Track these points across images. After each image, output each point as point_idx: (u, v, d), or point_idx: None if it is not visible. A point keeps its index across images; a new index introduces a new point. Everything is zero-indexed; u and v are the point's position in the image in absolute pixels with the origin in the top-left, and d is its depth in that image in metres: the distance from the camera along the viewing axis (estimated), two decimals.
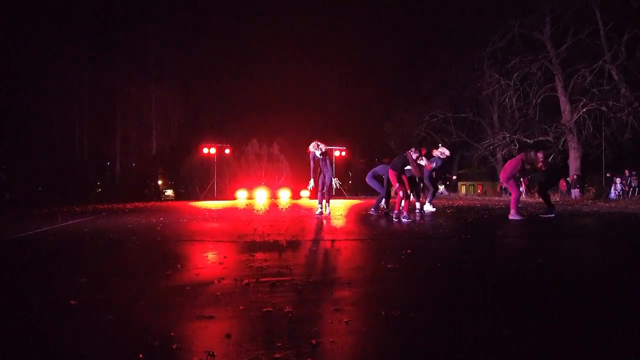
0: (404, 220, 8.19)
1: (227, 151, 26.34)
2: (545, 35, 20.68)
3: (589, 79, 18.96)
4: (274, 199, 23.64)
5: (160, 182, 29.78)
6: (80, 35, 24.49)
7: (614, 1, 17.91)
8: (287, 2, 30.29)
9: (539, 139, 21.59)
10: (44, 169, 23.29)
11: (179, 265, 3.95)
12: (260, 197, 24.64)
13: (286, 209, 13.46)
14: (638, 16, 17.33)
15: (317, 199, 10.41)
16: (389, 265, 3.85)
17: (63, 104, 24.72)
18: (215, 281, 3.31)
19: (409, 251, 4.62)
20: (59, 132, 24.84)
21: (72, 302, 2.73)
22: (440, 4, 24.86)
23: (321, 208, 10.17)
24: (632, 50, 17.86)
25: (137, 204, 17.65)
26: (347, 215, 10.05)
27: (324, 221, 8.53)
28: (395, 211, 8.44)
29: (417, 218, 9.15)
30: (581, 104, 19.53)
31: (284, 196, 25.39)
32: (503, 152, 23.77)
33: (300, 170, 27.71)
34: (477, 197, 23.89)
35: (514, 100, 21.32)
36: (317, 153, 9.81)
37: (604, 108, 18.92)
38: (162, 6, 27.20)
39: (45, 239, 6.18)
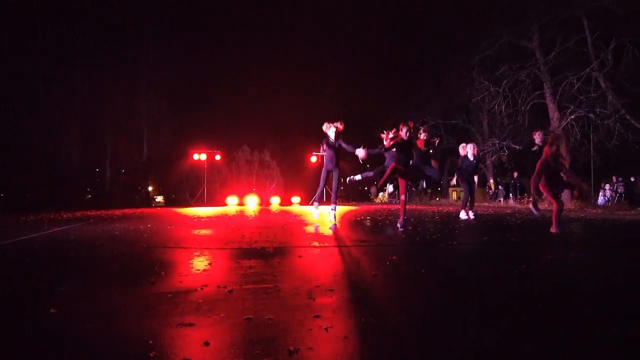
0: (399, 227, 7.89)
1: (217, 157, 26.32)
2: (534, 43, 20.90)
3: (576, 87, 19.15)
4: (264, 205, 23.62)
5: (150, 189, 29.63)
6: (72, 41, 24.43)
7: (600, 10, 18.14)
8: (278, 11, 30.38)
9: None
10: (32, 174, 23.08)
11: (162, 273, 3.95)
12: (251, 204, 24.60)
13: (276, 215, 13.45)
14: (624, 25, 17.57)
15: (309, 204, 10.01)
16: (372, 272, 3.87)
17: (52, 110, 24.55)
18: (198, 288, 3.32)
19: (394, 258, 4.64)
20: (48, 138, 24.66)
21: (52, 310, 2.73)
22: (431, 12, 25.03)
23: (334, 211, 9.15)
24: (619, 58, 18.09)
25: (125, 210, 17.54)
26: (338, 222, 10.04)
27: (314, 228, 8.51)
28: (400, 219, 8.00)
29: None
30: (569, 111, 19.71)
31: (275, 203, 25.38)
32: (492, 158, 23.94)
33: (291, 177, 27.76)
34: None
35: (503, 107, 21.47)
36: (331, 133, 8.64)
37: (591, 115, 19.11)
38: (154, 15, 27.18)
39: (29, 246, 6.14)
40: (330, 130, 8.66)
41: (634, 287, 3.47)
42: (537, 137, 8.63)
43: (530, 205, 8.27)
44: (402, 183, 8.00)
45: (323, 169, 8.95)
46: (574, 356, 2.01)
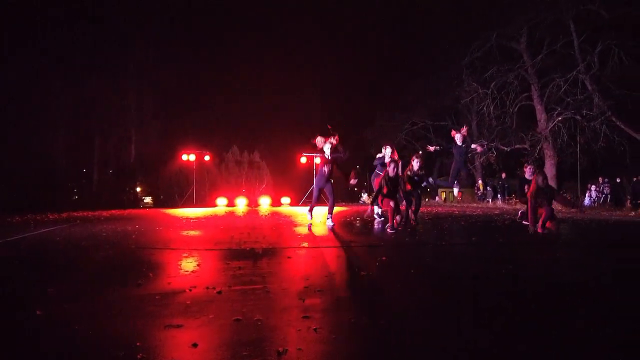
0: (389, 230, 7.78)
1: (206, 158, 26.10)
2: (522, 46, 21.10)
3: (563, 89, 19.35)
4: (254, 207, 23.50)
5: (139, 189, 29.31)
6: (61, 41, 24.15)
7: (587, 13, 18.34)
8: (278, 11, 30.24)
9: (516, 146, 21.98)
10: (18, 175, 22.73)
11: (150, 274, 3.88)
12: (241, 205, 24.48)
13: (265, 216, 13.39)
14: (610, 28, 17.79)
15: (303, 206, 9.65)
16: (362, 273, 3.85)
17: (40, 110, 24.22)
18: (187, 290, 3.27)
19: (384, 258, 4.63)
20: (35, 137, 24.30)
21: (37, 312, 2.66)
22: (421, 15, 25.08)
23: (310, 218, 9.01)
24: (605, 61, 18.31)
25: (113, 211, 17.34)
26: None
27: (304, 229, 8.45)
28: (389, 223, 7.94)
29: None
30: (556, 112, 19.92)
31: (265, 203, 25.27)
32: (481, 159, 24.11)
33: (280, 178, 27.66)
34: (455, 204, 24.13)
35: (492, 108, 21.63)
36: (327, 149, 8.49)
37: (578, 117, 19.33)
38: (146, 15, 26.96)
39: (15, 247, 6.03)
40: (325, 146, 8.51)
41: (626, 288, 3.49)
42: (528, 171, 8.62)
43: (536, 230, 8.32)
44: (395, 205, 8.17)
45: (315, 185, 8.83)
46: (567, 356, 2.00)
